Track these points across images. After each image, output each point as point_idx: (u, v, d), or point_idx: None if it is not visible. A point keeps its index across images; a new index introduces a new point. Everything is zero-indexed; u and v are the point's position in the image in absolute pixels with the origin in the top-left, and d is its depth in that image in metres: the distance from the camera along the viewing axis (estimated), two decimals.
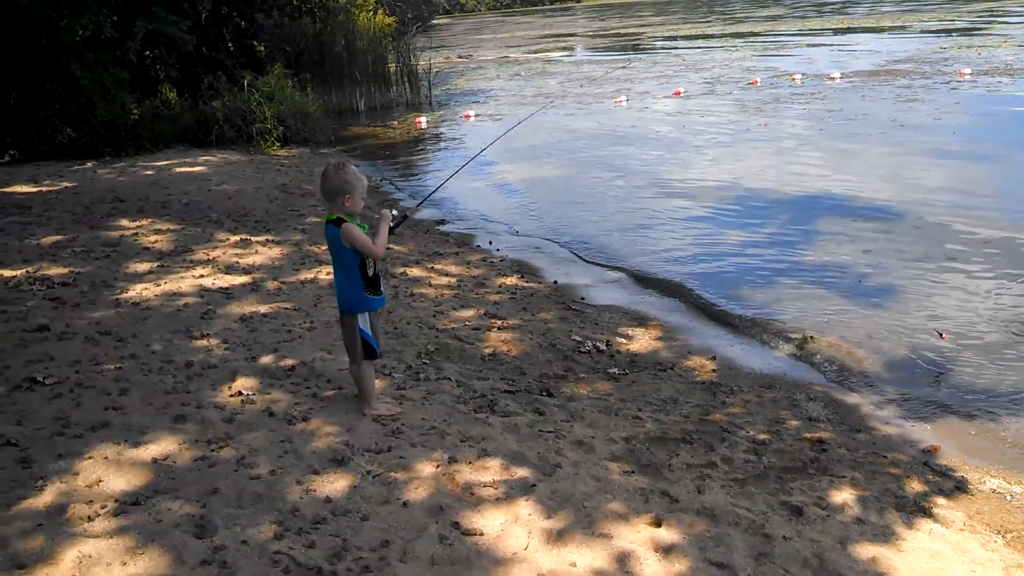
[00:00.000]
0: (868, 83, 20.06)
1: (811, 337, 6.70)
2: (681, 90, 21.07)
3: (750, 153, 13.95)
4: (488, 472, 4.20)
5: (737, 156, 13.80)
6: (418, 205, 4.77)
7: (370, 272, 4.60)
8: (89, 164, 13.45)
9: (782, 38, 34.81)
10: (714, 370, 6.18)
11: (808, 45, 31.42)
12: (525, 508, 3.86)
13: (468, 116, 19.63)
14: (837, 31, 36.18)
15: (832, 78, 21.16)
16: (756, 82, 21.67)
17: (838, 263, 8.42)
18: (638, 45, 37.16)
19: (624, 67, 27.54)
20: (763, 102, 18.55)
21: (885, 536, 3.92)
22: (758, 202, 10.93)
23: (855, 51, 27.85)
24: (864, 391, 5.85)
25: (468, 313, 7.06)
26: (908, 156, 12.87)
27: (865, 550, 3.78)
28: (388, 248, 8.55)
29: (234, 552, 3.39)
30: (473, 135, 17.78)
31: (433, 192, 5.85)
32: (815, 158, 13.12)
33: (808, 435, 5.04)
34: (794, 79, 21.66)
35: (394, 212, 4.73)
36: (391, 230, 4.67)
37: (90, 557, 3.31)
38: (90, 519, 3.63)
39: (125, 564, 3.28)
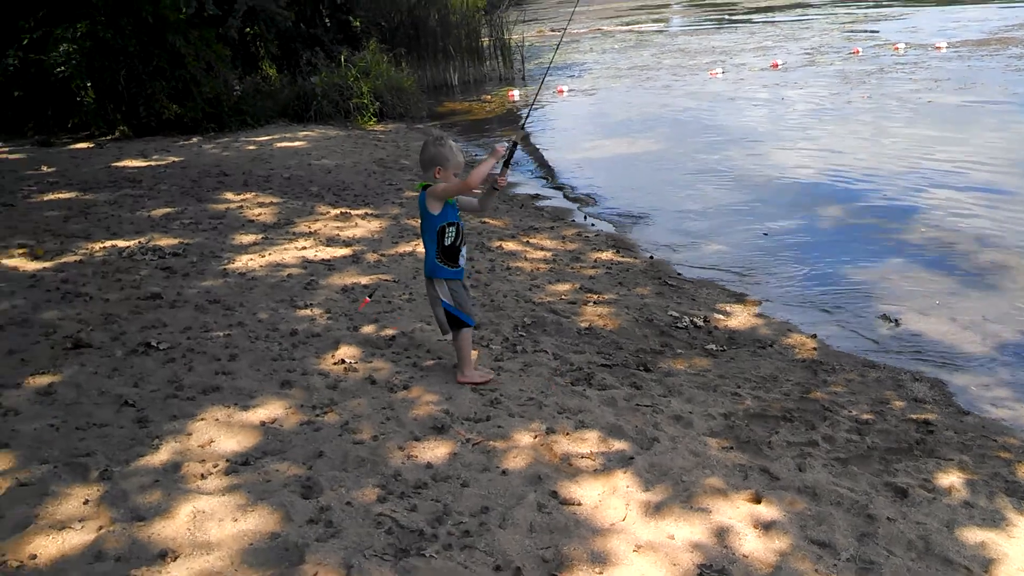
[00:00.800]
0: (977, 52, 19.28)
1: (915, 316, 6.52)
2: (779, 61, 20.56)
3: (851, 126, 13.57)
4: (586, 444, 4.23)
5: (837, 129, 13.44)
6: (522, 126, 4.82)
7: (447, 242, 4.66)
8: (194, 139, 13.86)
9: (885, 6, 33.66)
10: (815, 348, 6.08)
11: (912, 13, 30.31)
12: (623, 480, 3.87)
13: (561, 91, 19.53)
14: None
15: (938, 47, 20.39)
16: (857, 52, 21.03)
17: (946, 241, 8.16)
18: (734, 15, 36.39)
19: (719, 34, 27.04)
20: (865, 73, 18.00)
21: (994, 521, 3.81)
22: (860, 177, 10.65)
23: (962, 19, 26.75)
24: (973, 373, 5.68)
25: (564, 287, 7.08)
26: (1020, 129, 12.34)
27: (973, 535, 3.68)
28: (483, 222, 8.72)
29: (339, 513, 3.49)
30: (566, 109, 17.71)
31: (525, 119, 5.86)
32: (919, 132, 12.70)
33: (913, 416, 4.93)
34: (897, 48, 20.93)
35: (505, 142, 4.70)
36: (506, 161, 4.71)
37: (203, 512, 3.46)
38: (203, 477, 3.78)
39: (236, 520, 3.41)
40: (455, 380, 4.88)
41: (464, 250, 4.78)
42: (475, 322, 4.90)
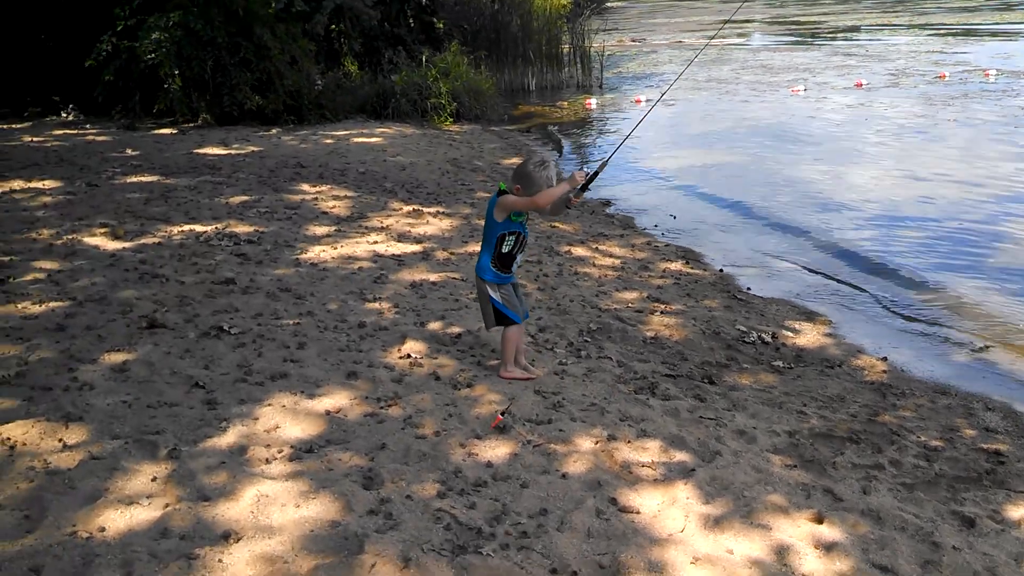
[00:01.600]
0: None
1: (992, 345, 6.35)
2: (863, 81, 20.19)
3: (935, 150, 13.27)
4: (647, 452, 4.20)
5: (920, 152, 13.15)
6: (604, 162, 4.81)
7: (504, 249, 4.78)
8: (274, 131, 14.12)
9: (976, 30, 32.83)
10: (885, 371, 5.95)
11: (1005, 38, 29.50)
12: (683, 491, 3.84)
13: (639, 100, 19.44)
14: None
15: None
16: (944, 76, 20.51)
17: None
18: (818, 33, 35.83)
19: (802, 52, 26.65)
20: (951, 97, 17.57)
21: None
22: (941, 202, 10.41)
23: None
24: None
25: (631, 295, 7.05)
26: None
27: None
28: (553, 226, 8.72)
29: (399, 505, 3.52)
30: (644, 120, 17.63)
31: (615, 151, 5.88)
32: (1006, 159, 12.35)
33: (984, 445, 4.79)
34: (988, 75, 20.37)
35: (586, 169, 4.77)
36: (585, 185, 4.76)
37: (267, 496, 3.52)
38: (268, 462, 3.85)
39: (298, 506, 3.47)
40: (520, 381, 4.89)
41: (520, 258, 4.90)
42: (522, 319, 4.97)
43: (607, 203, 11.10)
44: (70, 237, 7.22)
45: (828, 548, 3.52)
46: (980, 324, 6.77)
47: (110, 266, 6.54)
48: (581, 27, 23.66)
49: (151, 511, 3.38)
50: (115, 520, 3.31)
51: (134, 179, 9.79)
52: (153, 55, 13.61)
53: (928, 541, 3.65)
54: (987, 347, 6.35)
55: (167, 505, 3.43)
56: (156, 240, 7.30)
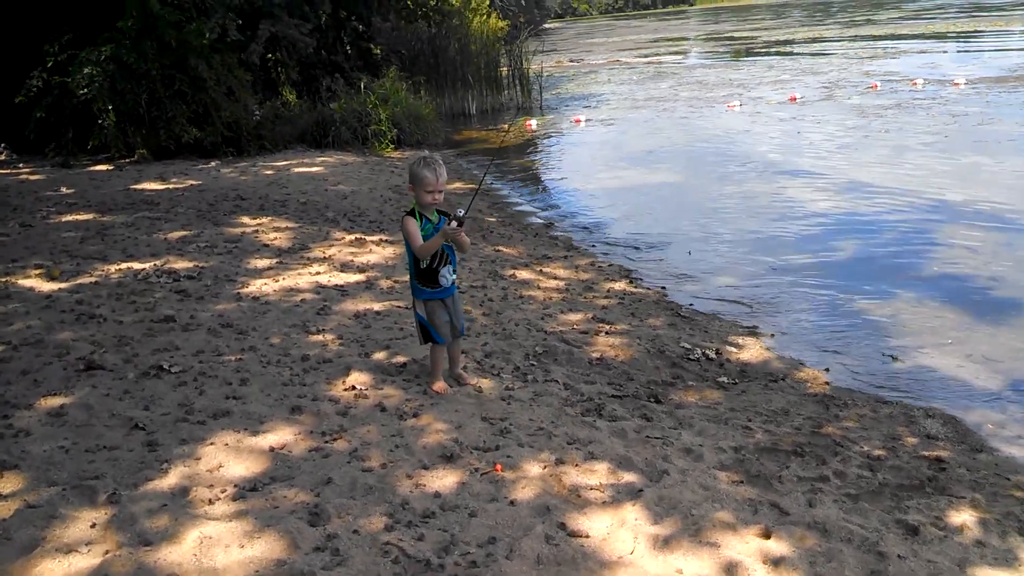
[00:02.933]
0: (995, 90, 19.26)
1: (931, 352, 6.48)
2: (797, 95, 20.61)
3: (868, 160, 13.55)
4: (595, 475, 4.21)
5: (855, 163, 13.43)
6: (464, 214, 4.83)
7: (422, 265, 4.93)
8: (213, 163, 13.98)
9: (903, 42, 33.72)
10: (827, 383, 6.04)
11: (931, 50, 30.34)
12: (632, 513, 3.85)
13: (578, 120, 19.63)
14: (962, 35, 34.83)
15: (956, 84, 20.38)
16: (876, 87, 21.05)
17: (960, 276, 8.12)
18: (752, 48, 36.53)
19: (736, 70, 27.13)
20: (883, 107, 18.00)
21: (1007, 561, 3.76)
22: (876, 211, 10.62)
23: (981, 56, 26.76)
24: (987, 410, 5.62)
25: (576, 317, 7.08)
26: None
27: (985, 574, 3.64)
28: (497, 250, 8.75)
29: (346, 540, 3.48)
30: (583, 140, 17.78)
31: (476, 193, 6.17)
32: (937, 167, 12.66)
33: (926, 453, 4.88)
34: (915, 84, 20.94)
35: (459, 212, 4.81)
36: (456, 223, 4.77)
37: (210, 538, 3.45)
38: (211, 502, 3.78)
39: (243, 547, 3.41)
40: (467, 409, 4.89)
41: (447, 270, 4.99)
42: (446, 339, 5.10)
43: (550, 224, 11.16)
44: (3, 280, 7.06)
45: (776, 563, 3.55)
46: (917, 332, 6.90)
47: (46, 308, 6.40)
48: (519, 49, 23.88)
49: (90, 559, 3.30)
50: (53, 570, 3.22)
51: (69, 217, 9.61)
52: (86, 90, 13.42)
53: (874, 551, 3.70)
54: (926, 355, 6.47)
55: (107, 552, 3.35)
56: (93, 279, 7.17)
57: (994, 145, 13.85)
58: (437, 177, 4.80)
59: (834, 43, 35.64)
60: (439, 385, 5.14)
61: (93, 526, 3.53)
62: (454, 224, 4.74)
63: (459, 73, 22.31)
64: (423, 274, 4.97)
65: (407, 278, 7.53)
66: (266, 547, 3.42)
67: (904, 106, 18.09)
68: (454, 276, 5.07)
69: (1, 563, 3.25)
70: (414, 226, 4.86)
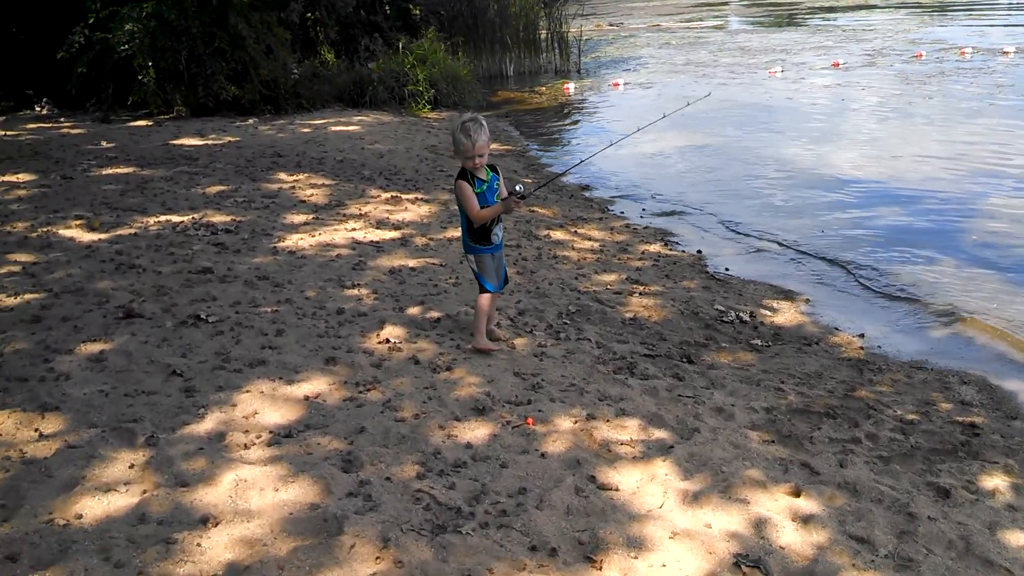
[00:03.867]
0: None
1: (968, 319, 6.41)
2: (840, 61, 20.25)
3: (911, 128, 13.34)
4: (626, 431, 4.22)
5: (897, 130, 13.22)
6: (524, 189, 4.81)
7: (475, 224, 4.91)
8: (250, 120, 14.03)
9: (951, 9, 32.98)
10: (862, 348, 6.00)
11: (981, 17, 29.64)
12: (662, 468, 3.86)
13: (616, 84, 19.43)
14: (1014, 4, 33.97)
15: (1006, 52, 19.90)
16: (921, 55, 20.61)
17: (1001, 244, 7.99)
18: (795, 15, 35.89)
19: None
20: (928, 76, 17.65)
21: None
22: (917, 178, 10.47)
23: None
24: (1022, 379, 5.56)
25: (610, 277, 7.07)
26: None
27: (1016, 537, 3.62)
28: (532, 211, 8.74)
29: (378, 487, 3.53)
30: (621, 104, 17.62)
31: (575, 166, 6.07)
32: (981, 136, 12.43)
33: (960, 418, 4.84)
34: (963, 53, 20.48)
35: (518, 188, 4.84)
36: (518, 198, 4.81)
37: (246, 481, 3.51)
38: (246, 447, 3.85)
39: (277, 490, 3.47)
40: (500, 364, 4.91)
41: (497, 228, 5.00)
42: (494, 288, 5.10)
43: (585, 187, 11.11)
44: (45, 229, 7.16)
45: (805, 520, 3.55)
46: (956, 299, 6.82)
47: (86, 257, 6.50)
48: (558, 12, 23.60)
49: (129, 497, 3.37)
50: (92, 507, 3.30)
51: (109, 171, 9.71)
52: (126, 46, 13.46)
53: (904, 512, 3.69)
54: (963, 322, 6.40)
55: (145, 491, 3.42)
56: (132, 231, 7.26)
57: None
58: (473, 143, 4.69)
59: (879, 9, 34.95)
60: (483, 342, 5.09)
61: (131, 467, 3.60)
62: (518, 198, 4.78)
63: (497, 35, 22.12)
64: (477, 233, 4.96)
65: (442, 236, 7.61)
66: (300, 491, 3.47)
67: (949, 75, 17.73)
68: (502, 231, 5.09)
69: (43, 499, 3.33)
70: (469, 191, 4.81)
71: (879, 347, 6.03)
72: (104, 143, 11.58)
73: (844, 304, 6.88)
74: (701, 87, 18.22)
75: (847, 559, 3.31)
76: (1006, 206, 9.12)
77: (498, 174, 4.97)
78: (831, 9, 36.47)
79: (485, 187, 4.87)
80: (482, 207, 4.85)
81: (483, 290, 5.07)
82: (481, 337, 5.11)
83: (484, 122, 4.81)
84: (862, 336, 6.18)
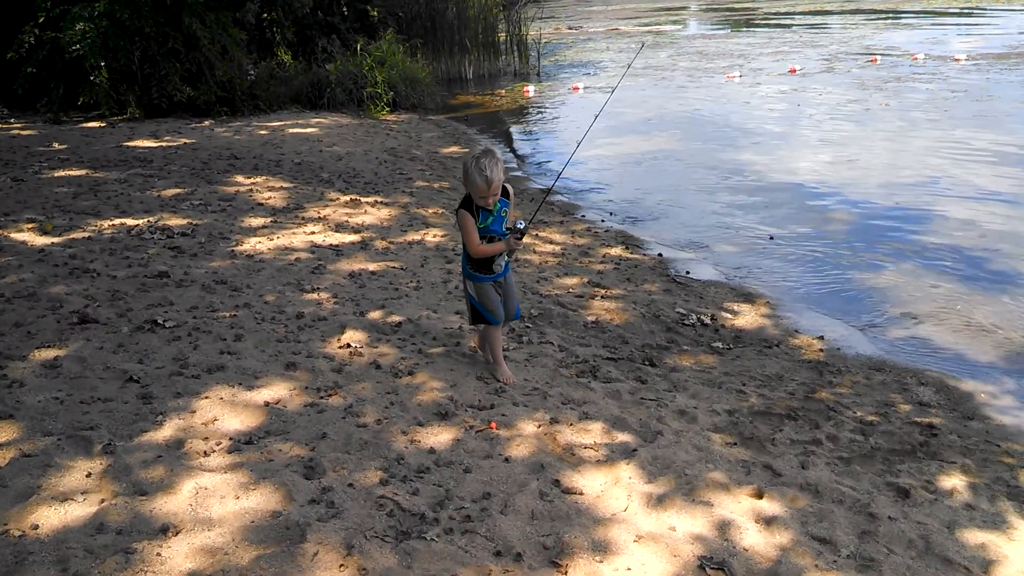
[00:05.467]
0: (996, 66, 19.17)
1: (924, 322, 6.50)
2: (797, 67, 20.50)
3: (867, 134, 13.52)
4: (589, 435, 4.22)
5: (854, 136, 13.39)
6: (525, 226, 4.69)
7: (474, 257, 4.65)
8: (206, 122, 13.87)
9: (905, 16, 33.54)
10: (822, 350, 6.06)
11: (933, 24, 30.17)
12: (626, 471, 3.86)
13: (576, 88, 19.49)
14: (964, 11, 34.61)
15: (957, 60, 20.28)
16: (876, 60, 20.94)
17: (956, 247, 8.11)
18: (752, 20, 36.28)
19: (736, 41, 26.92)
20: (883, 81, 17.92)
21: (996, 524, 3.80)
22: (874, 182, 10.61)
23: (984, 31, 26.61)
24: (979, 379, 5.65)
25: (572, 281, 7.07)
26: None
27: (974, 536, 3.67)
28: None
29: (341, 494, 3.49)
30: (581, 107, 17.67)
31: (559, 175, 5.93)
32: (936, 141, 12.64)
33: (918, 419, 4.91)
34: (916, 58, 20.84)
35: (519, 224, 4.58)
36: (517, 235, 4.58)
37: (206, 489, 3.46)
38: (206, 454, 3.78)
39: (238, 498, 3.41)
40: (463, 369, 4.88)
41: (501, 259, 4.71)
42: (497, 322, 4.79)
43: (547, 191, 11.10)
44: None
45: (768, 522, 3.57)
46: (913, 302, 6.92)
47: (39, 261, 6.36)
48: (517, 15, 23.63)
49: (86, 507, 3.30)
50: (49, 517, 3.22)
51: (62, 173, 9.53)
52: (77, 46, 13.23)
53: (865, 512, 3.73)
54: (920, 324, 6.49)
55: (103, 500, 3.35)
56: (86, 235, 7.12)
57: (993, 121, 13.82)
58: (489, 183, 4.34)
59: (835, 16, 35.42)
60: (505, 375, 4.84)
61: (88, 475, 3.52)
62: (517, 236, 4.54)
63: (456, 37, 22.09)
64: (477, 263, 4.68)
65: (402, 239, 7.57)
66: (261, 499, 3.42)
67: (904, 80, 18.02)
68: (506, 259, 4.79)
69: None
70: (471, 223, 4.51)
71: (839, 349, 6.09)
72: (56, 144, 11.37)
73: (804, 306, 6.95)
74: (661, 91, 18.35)
75: (810, 560, 3.33)
76: (963, 211, 9.26)
77: (509, 199, 4.61)
78: (787, 14, 36.90)
79: (491, 220, 4.55)
80: (489, 239, 4.57)
81: (485, 321, 4.80)
82: (502, 367, 4.87)
83: (499, 155, 4.47)
84: (822, 338, 6.24)
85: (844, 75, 19.25)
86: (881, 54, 22.00)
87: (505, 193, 4.57)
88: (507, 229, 4.60)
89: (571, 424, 4.31)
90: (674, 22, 37.07)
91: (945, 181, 10.49)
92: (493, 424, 4.22)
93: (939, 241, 8.36)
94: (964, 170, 10.88)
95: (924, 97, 16.02)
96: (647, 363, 5.51)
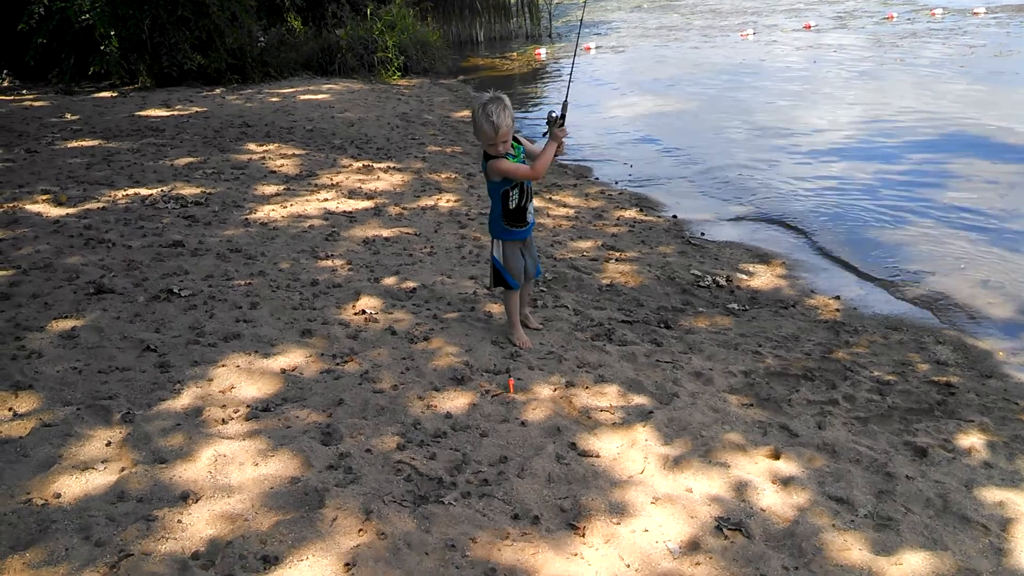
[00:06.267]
0: (1016, 18, 18.86)
1: (943, 279, 6.45)
2: (812, 23, 20.25)
3: (883, 90, 13.36)
4: (605, 398, 4.22)
5: (869, 93, 13.24)
6: (560, 114, 4.58)
7: (511, 204, 4.56)
8: (217, 90, 13.83)
9: None
10: (838, 310, 6.02)
11: None
12: (642, 434, 3.86)
13: (588, 48, 19.33)
14: None
15: (976, 13, 19.97)
16: (892, 17, 20.66)
17: (974, 206, 8.01)
18: None
19: None
20: (899, 37, 17.69)
21: (1014, 482, 3.78)
22: (890, 141, 10.50)
23: None
24: (997, 337, 5.60)
25: (586, 244, 7.05)
26: None
27: (992, 494, 3.65)
28: None
29: (359, 459, 3.50)
30: (593, 68, 17.52)
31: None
32: (952, 97, 12.48)
33: (936, 378, 4.88)
34: (934, 13, 20.54)
35: (553, 113, 4.49)
36: (559, 123, 4.47)
37: (225, 456, 3.48)
38: (224, 422, 3.80)
39: (257, 464, 3.44)
40: (478, 334, 4.88)
41: (531, 207, 4.67)
42: (517, 285, 4.74)
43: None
44: (11, 205, 7.02)
45: (785, 483, 3.57)
46: (931, 260, 6.86)
47: (54, 232, 6.39)
48: None
49: (107, 475, 3.33)
50: (70, 486, 3.25)
51: (75, 144, 9.54)
52: (87, 16, 13.19)
53: (882, 472, 3.72)
54: (938, 282, 6.44)
55: (123, 469, 3.38)
56: (100, 205, 7.14)
57: (1013, 77, 13.62)
58: (497, 129, 4.25)
59: None
60: (521, 339, 4.79)
61: (108, 444, 3.55)
62: (560, 125, 4.41)
63: (467, 0, 21.92)
64: (513, 214, 4.57)
65: (416, 204, 7.55)
66: (280, 465, 3.44)
67: (921, 36, 17.76)
68: (533, 208, 4.73)
69: (19, 479, 3.28)
70: (510, 163, 4.40)
71: (855, 308, 6.05)
72: (68, 115, 11.37)
73: (820, 266, 6.91)
74: (675, 50, 18.17)
75: (827, 520, 3.33)
76: (980, 167, 9.16)
77: (521, 144, 4.57)
78: None
79: (519, 158, 4.50)
80: (514, 186, 4.50)
81: (505, 285, 4.73)
82: (518, 331, 4.83)
83: (507, 101, 4.35)
84: (838, 298, 6.21)
85: (859, 31, 19.00)
86: (898, 9, 21.67)
87: (517, 143, 4.52)
88: (546, 123, 4.49)
89: (587, 387, 4.31)
90: None
91: (963, 138, 10.37)
92: (511, 381, 4.22)
93: (956, 198, 8.27)
94: (982, 127, 10.74)
95: (942, 52, 15.79)
96: (662, 325, 5.49)
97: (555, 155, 4.55)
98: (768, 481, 3.58)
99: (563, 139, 4.51)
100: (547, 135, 4.50)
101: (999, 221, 7.59)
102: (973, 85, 13.18)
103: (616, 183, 9.48)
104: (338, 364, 4.42)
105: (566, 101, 4.56)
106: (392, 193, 8.01)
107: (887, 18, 20.67)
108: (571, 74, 5.03)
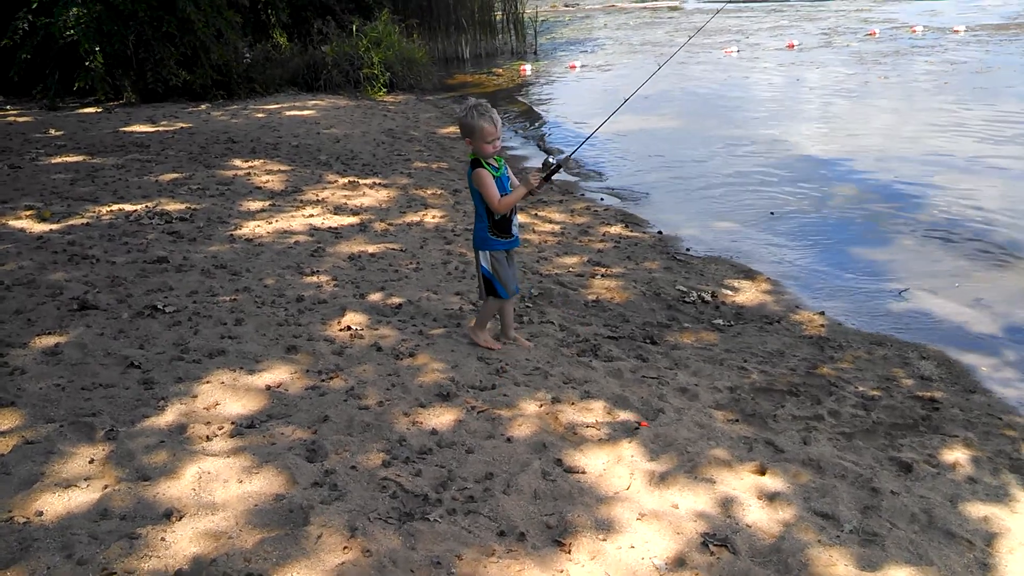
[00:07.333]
0: (995, 37, 19.08)
1: (926, 295, 6.49)
2: (795, 42, 20.42)
3: (867, 108, 13.48)
4: (591, 414, 4.22)
5: (852, 110, 13.35)
6: (570, 155, 4.73)
7: (497, 216, 4.66)
8: (203, 106, 13.82)
9: None
10: (823, 325, 6.05)
11: None
12: (628, 450, 3.86)
13: (574, 66, 19.42)
14: None
15: (956, 31, 20.18)
16: (874, 33, 20.87)
17: (957, 221, 8.09)
18: None
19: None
20: (882, 55, 17.86)
21: (998, 497, 3.80)
22: (873, 157, 10.58)
23: (982, 2, 26.45)
24: (981, 353, 5.63)
25: (572, 260, 7.06)
26: None
27: (976, 509, 3.67)
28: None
29: (344, 476, 3.49)
30: (578, 85, 17.59)
31: (585, 140, 5.87)
32: (935, 114, 12.60)
33: (920, 393, 4.90)
34: (914, 31, 20.75)
35: (550, 160, 4.68)
36: (546, 178, 4.65)
37: (209, 473, 3.46)
38: (208, 439, 3.78)
39: (241, 482, 3.41)
40: (464, 349, 4.88)
41: (516, 218, 4.79)
42: (508, 296, 4.84)
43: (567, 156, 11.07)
44: None
45: (771, 498, 3.58)
46: (915, 276, 6.90)
47: (37, 248, 6.36)
48: None
49: (90, 493, 3.30)
50: (53, 504, 3.22)
51: (59, 159, 9.51)
52: (71, 31, 13.16)
53: (867, 487, 3.73)
54: (922, 298, 6.48)
55: (106, 486, 3.35)
56: (84, 221, 7.11)
57: (992, 94, 13.76)
58: (496, 125, 4.50)
59: None
60: (487, 340, 4.95)
61: (91, 462, 3.52)
62: (536, 172, 4.60)
63: (452, 16, 22.00)
64: (498, 225, 4.70)
65: (401, 220, 7.55)
66: (265, 482, 3.42)
67: (903, 53, 17.93)
68: (518, 222, 4.89)
69: (1, 497, 3.25)
70: (489, 178, 4.57)
71: (840, 324, 6.08)
72: (52, 131, 11.33)
73: (804, 282, 6.94)
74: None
75: (813, 535, 3.33)
76: (963, 184, 9.24)
77: (505, 162, 4.75)
78: None
79: (501, 173, 4.65)
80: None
81: (495, 294, 4.82)
82: (482, 332, 4.94)
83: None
84: (823, 314, 6.23)
85: (843, 49, 19.18)
86: (880, 27, 21.88)
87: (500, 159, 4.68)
88: (541, 164, 4.68)
89: (573, 403, 4.31)
90: None
91: (945, 155, 10.47)
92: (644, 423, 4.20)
93: (939, 215, 8.34)
94: (963, 144, 10.85)
95: (923, 70, 15.94)
96: (648, 341, 5.50)
97: (516, 213, 4.78)
98: (754, 497, 3.58)
99: (535, 187, 4.65)
100: (534, 175, 4.64)
101: (981, 237, 7.65)
102: (954, 102, 13.31)
103: (602, 199, 9.51)
104: (323, 380, 4.40)
105: (567, 159, 4.77)
106: (378, 209, 8.01)
107: (870, 34, 20.86)
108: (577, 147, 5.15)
